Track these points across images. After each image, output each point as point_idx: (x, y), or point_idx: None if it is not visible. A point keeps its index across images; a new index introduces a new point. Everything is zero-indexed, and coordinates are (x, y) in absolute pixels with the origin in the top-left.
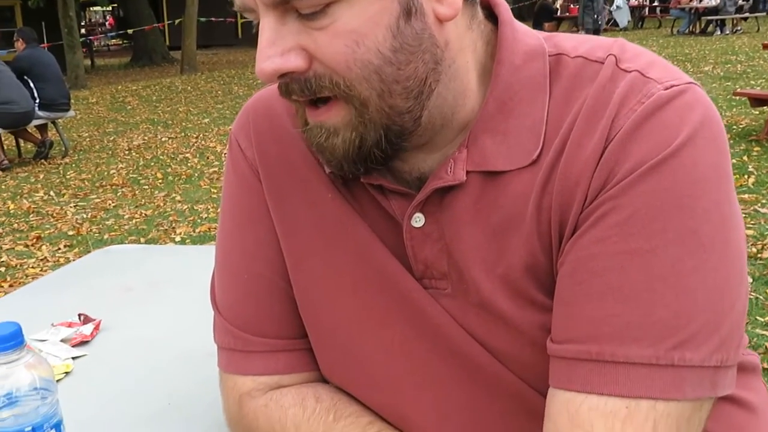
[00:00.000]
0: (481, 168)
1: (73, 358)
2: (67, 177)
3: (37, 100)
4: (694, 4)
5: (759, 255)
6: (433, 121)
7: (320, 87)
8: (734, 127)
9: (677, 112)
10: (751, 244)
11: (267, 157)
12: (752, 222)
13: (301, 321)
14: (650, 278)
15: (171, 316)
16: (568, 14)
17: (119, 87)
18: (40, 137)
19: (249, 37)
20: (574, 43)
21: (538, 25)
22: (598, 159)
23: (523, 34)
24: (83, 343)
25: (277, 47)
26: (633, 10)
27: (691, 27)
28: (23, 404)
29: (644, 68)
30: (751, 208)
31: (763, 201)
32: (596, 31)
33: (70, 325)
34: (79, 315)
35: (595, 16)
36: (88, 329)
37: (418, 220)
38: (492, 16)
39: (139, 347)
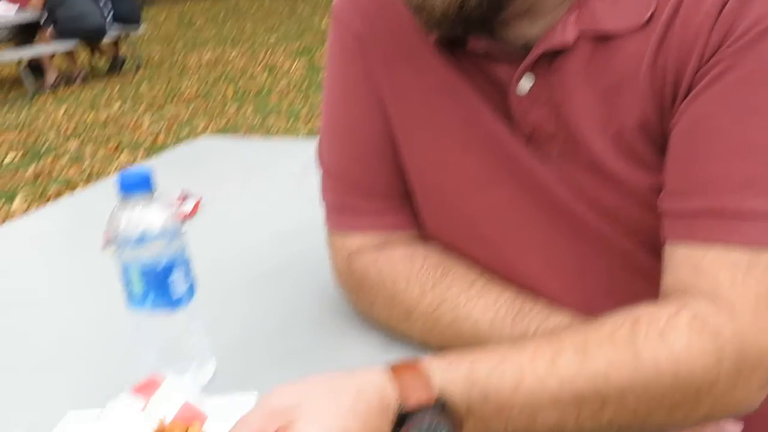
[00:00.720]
0: (591, 28)
1: None
2: (141, 90)
3: (110, 15)
4: None
5: None
6: None
7: None
8: None
9: None
10: None
11: (373, 26)
12: None
13: (407, 181)
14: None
15: (265, 200)
16: None
17: (186, 6)
18: (113, 51)
19: None
20: None
21: None
22: (717, 15)
23: None
24: (184, 219)
25: None
26: None
27: None
28: (153, 245)
29: None
30: None
31: None
32: None
33: (172, 201)
34: (180, 193)
35: None
36: (189, 207)
37: (526, 83)
38: None
39: (237, 225)
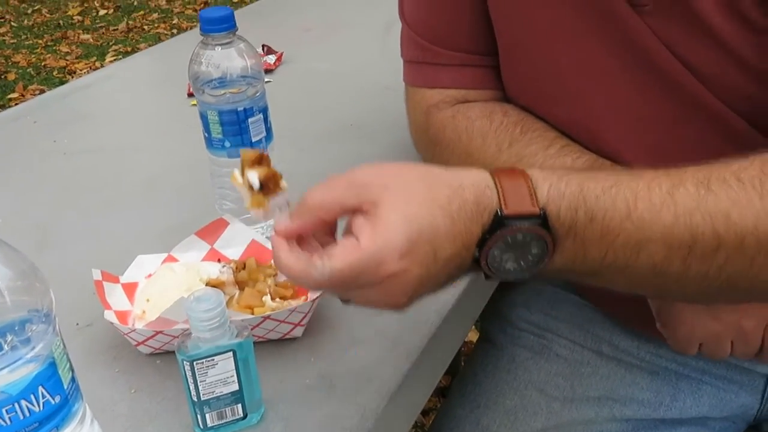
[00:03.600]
0: None
1: None
2: None
3: None
4: None
5: None
6: None
7: None
8: None
9: None
10: None
11: None
12: None
13: (491, 37)
14: None
15: (349, 54)
16: None
17: None
18: None
19: None
20: None
21: None
22: None
23: None
24: (267, 72)
25: None
26: None
27: None
28: (233, 87)
29: None
30: None
31: None
32: None
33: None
34: (263, 46)
35: None
36: (271, 59)
37: None
38: None
39: (319, 78)
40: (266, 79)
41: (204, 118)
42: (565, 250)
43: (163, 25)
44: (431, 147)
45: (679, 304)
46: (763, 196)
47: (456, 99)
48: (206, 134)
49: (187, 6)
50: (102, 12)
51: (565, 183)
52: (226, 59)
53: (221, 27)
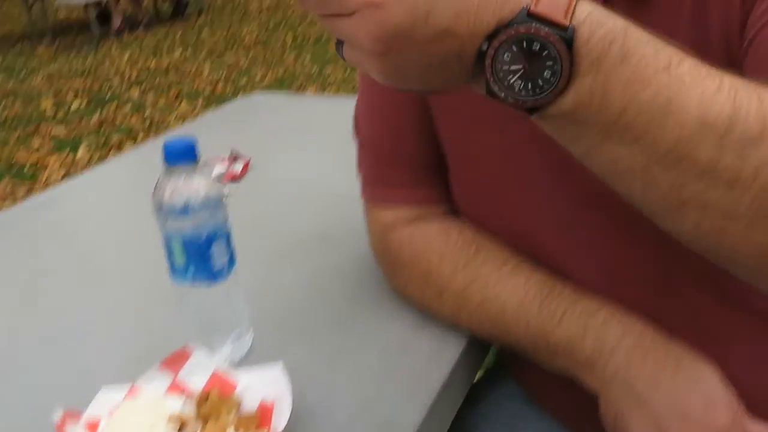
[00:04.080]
0: None
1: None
2: (202, 36)
3: None
4: None
5: None
6: None
7: None
8: None
9: None
10: None
11: None
12: None
13: (442, 156)
14: None
15: (315, 161)
16: None
17: None
18: None
19: None
20: None
21: None
22: None
23: None
24: (233, 180)
25: None
26: None
27: None
28: (196, 217)
29: None
30: None
31: None
32: None
33: (222, 160)
34: (231, 152)
35: None
36: (238, 167)
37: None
38: None
39: (286, 186)
40: (232, 189)
41: (167, 245)
42: (583, 87)
43: (135, 117)
44: (391, 269)
45: (635, 418)
46: None
47: (412, 217)
48: (169, 261)
49: (160, 98)
50: (75, 105)
51: (609, 14)
52: (189, 189)
53: (184, 159)
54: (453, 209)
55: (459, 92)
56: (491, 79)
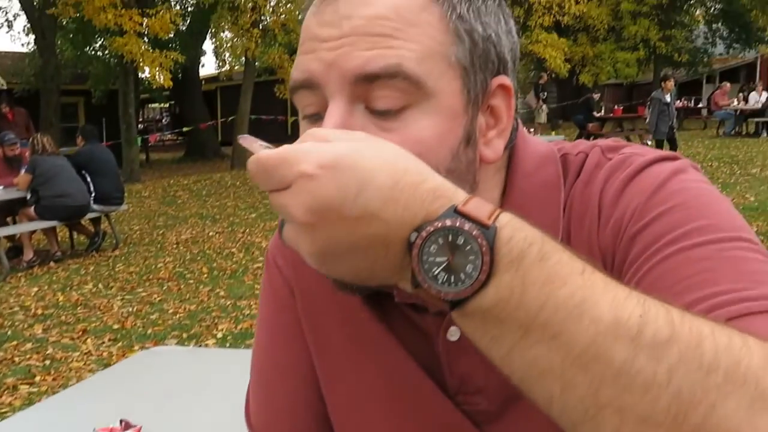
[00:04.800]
0: None
1: None
2: (116, 270)
3: (93, 194)
4: (739, 105)
5: None
6: None
7: None
8: None
9: (661, 167)
10: None
11: (303, 275)
12: None
13: None
14: (707, 268)
15: (211, 423)
16: (611, 115)
17: (171, 181)
18: (93, 229)
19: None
20: (576, 143)
21: (582, 124)
22: (597, 224)
23: (534, 144)
24: None
25: None
26: (678, 111)
27: (737, 128)
28: None
29: (628, 152)
30: None
31: None
32: (671, 140)
33: (111, 431)
34: (121, 421)
35: (670, 123)
36: None
37: (454, 333)
38: None
39: None
40: None
41: None
42: (502, 282)
43: (36, 356)
44: None
45: None
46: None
47: None
48: None
49: (64, 335)
50: None
51: (527, 225)
52: None
53: None
54: None
55: (348, 373)
56: (417, 269)
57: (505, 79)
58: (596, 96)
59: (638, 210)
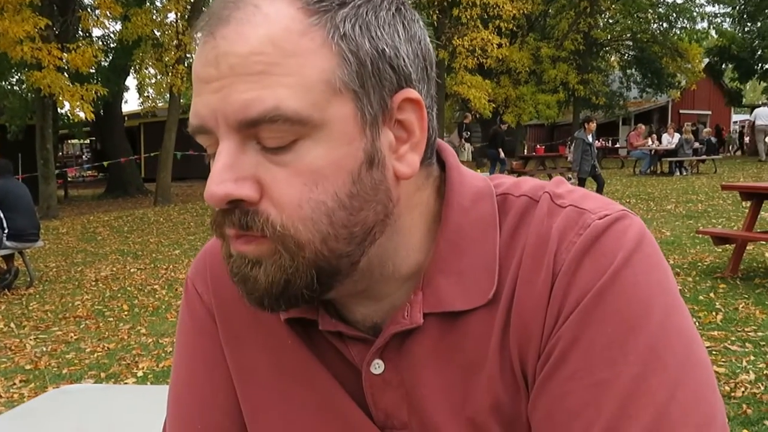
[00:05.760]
0: (438, 309)
1: None
2: (30, 308)
3: (6, 230)
4: (653, 146)
5: (732, 394)
6: (372, 268)
7: (255, 224)
8: (699, 264)
9: (612, 240)
10: (724, 383)
11: (224, 301)
12: (723, 360)
13: None
14: (624, 404)
15: None
16: (534, 154)
17: (91, 217)
18: (5, 266)
19: None
20: (517, 182)
21: (495, 157)
22: (548, 295)
23: (470, 177)
24: None
25: (233, 173)
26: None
27: (652, 167)
28: None
29: (578, 201)
30: (721, 345)
31: (733, 338)
32: (596, 177)
33: None
34: None
35: (593, 162)
36: None
37: (378, 366)
38: (440, 160)
39: None
40: None
41: None
42: None
43: None
44: None
45: None
46: None
47: None
48: None
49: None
50: None
51: None
52: None
53: None
54: None
55: (273, 403)
56: None
57: (410, 93)
58: (504, 127)
59: (587, 307)
